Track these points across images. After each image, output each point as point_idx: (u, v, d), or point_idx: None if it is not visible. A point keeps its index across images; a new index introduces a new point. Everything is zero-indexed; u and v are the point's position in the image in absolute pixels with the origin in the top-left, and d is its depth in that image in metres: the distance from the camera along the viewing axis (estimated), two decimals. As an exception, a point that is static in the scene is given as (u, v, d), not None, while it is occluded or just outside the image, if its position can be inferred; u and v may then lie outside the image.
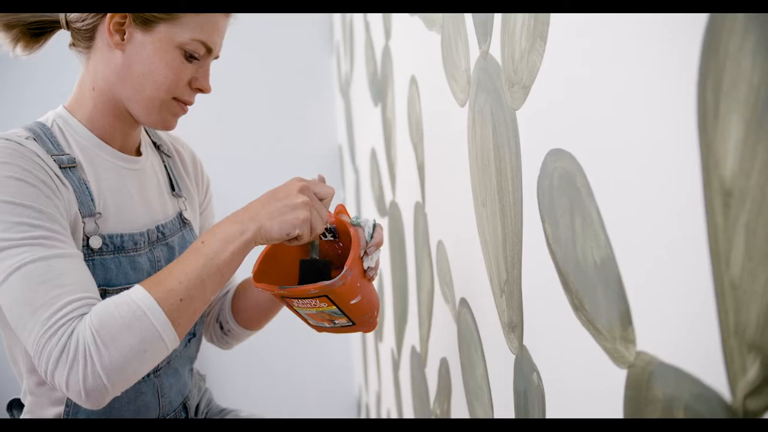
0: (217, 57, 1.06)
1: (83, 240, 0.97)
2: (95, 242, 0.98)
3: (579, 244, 0.64)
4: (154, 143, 1.19)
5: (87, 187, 0.99)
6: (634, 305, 0.55)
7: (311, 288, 0.95)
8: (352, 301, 0.99)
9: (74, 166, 0.98)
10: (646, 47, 0.51)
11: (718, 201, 0.43)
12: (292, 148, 2.95)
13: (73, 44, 1.05)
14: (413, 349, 1.59)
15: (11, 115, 2.64)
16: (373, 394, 2.49)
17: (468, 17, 0.96)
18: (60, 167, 0.96)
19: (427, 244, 1.34)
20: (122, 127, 1.06)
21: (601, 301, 0.61)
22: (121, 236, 1.02)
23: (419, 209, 1.39)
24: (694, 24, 0.44)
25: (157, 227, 1.09)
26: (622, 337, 0.57)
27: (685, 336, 0.49)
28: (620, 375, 0.58)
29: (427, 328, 1.42)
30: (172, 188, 1.17)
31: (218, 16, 1.02)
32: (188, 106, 1.06)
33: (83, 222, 0.97)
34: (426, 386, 1.46)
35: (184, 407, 1.17)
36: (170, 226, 1.12)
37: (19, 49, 1.05)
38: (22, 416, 1.05)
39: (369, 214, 2.12)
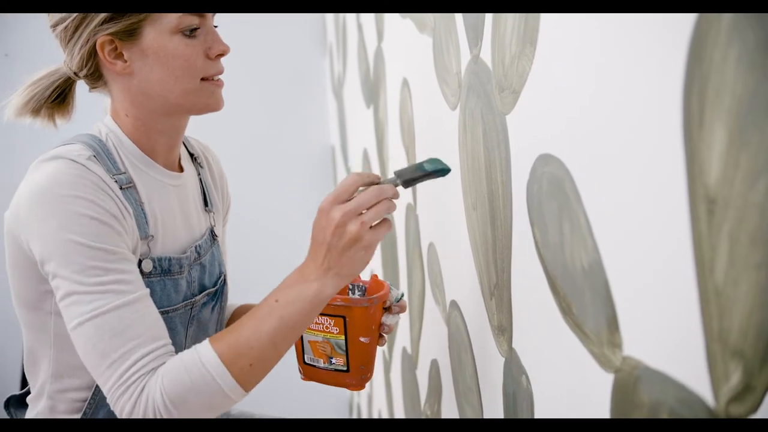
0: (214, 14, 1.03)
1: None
2: (147, 266, 0.98)
3: (567, 248, 0.65)
4: (191, 154, 1.17)
5: (142, 210, 0.99)
6: (620, 310, 0.56)
7: (339, 298, 0.97)
8: (361, 338, 1.01)
9: (131, 186, 0.98)
10: (633, 56, 0.52)
11: (702, 208, 0.44)
12: (285, 148, 2.95)
13: (91, 89, 1.04)
14: (404, 350, 1.60)
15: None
16: (364, 395, 2.50)
17: (459, 21, 0.97)
18: (120, 188, 0.95)
19: (418, 246, 1.34)
20: (165, 142, 1.05)
21: (588, 306, 0.61)
22: (169, 260, 1.02)
23: (411, 211, 1.39)
24: (679, 34, 0.45)
25: (195, 247, 1.09)
26: (609, 341, 0.58)
27: (670, 341, 0.49)
28: (607, 379, 0.58)
29: (418, 330, 1.42)
30: (205, 203, 1.16)
31: None
32: (221, 77, 1.03)
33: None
34: (417, 387, 1.47)
35: None
36: (204, 245, 1.11)
37: (58, 120, 1.06)
38: (33, 417, 1.04)
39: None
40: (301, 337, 1.05)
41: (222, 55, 1.01)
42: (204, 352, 0.87)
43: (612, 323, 0.57)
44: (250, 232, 2.56)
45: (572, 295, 0.64)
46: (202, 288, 1.10)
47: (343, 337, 1.01)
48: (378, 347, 1.08)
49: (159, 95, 0.98)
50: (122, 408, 0.86)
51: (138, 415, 0.85)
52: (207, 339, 0.89)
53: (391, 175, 0.95)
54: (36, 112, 1.03)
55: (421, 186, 1.28)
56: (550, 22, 0.66)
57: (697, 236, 0.44)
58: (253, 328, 0.87)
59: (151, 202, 1.01)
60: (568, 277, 0.65)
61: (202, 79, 0.99)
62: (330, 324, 1.01)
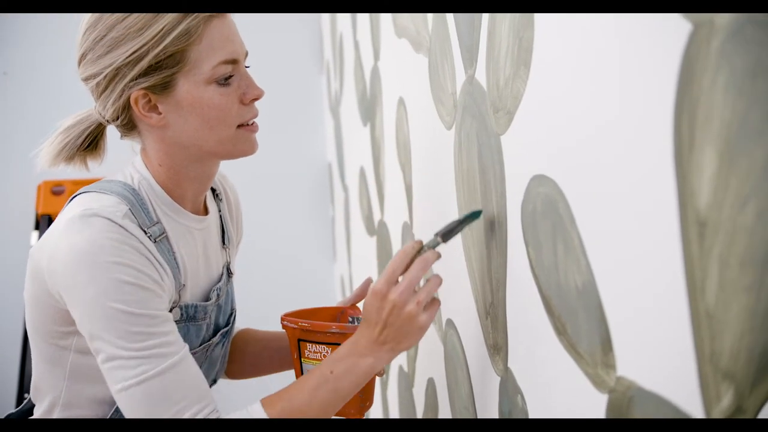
0: (246, 55, 1.01)
1: None
2: (175, 314, 0.98)
3: (561, 268, 0.65)
4: (212, 190, 1.16)
5: (175, 260, 0.99)
6: (614, 331, 0.56)
7: (333, 326, 1.01)
8: None
9: (164, 237, 0.98)
10: (625, 79, 0.52)
11: (693, 231, 0.44)
12: (283, 165, 2.96)
13: (123, 137, 1.04)
14: (401, 368, 1.60)
15: (12, 125, 2.64)
16: (361, 413, 2.49)
17: (454, 42, 0.98)
18: (154, 241, 0.95)
19: (414, 264, 1.34)
20: (196, 188, 1.04)
21: (582, 326, 0.62)
22: (195, 307, 1.02)
23: (407, 229, 1.39)
24: (669, 59, 0.45)
25: (216, 291, 1.09)
26: (603, 362, 0.58)
27: (663, 362, 0.50)
28: (601, 399, 0.59)
29: (414, 348, 1.42)
30: (223, 241, 1.15)
31: (217, 27, 0.95)
32: (255, 120, 1.02)
33: None
34: (413, 406, 1.46)
35: None
36: (222, 285, 1.11)
37: (90, 164, 1.06)
38: None
39: (359, 232, 2.12)
40: (300, 365, 1.07)
41: (256, 99, 1.00)
42: (256, 415, 0.90)
43: (606, 344, 0.57)
44: (245, 249, 2.56)
45: (566, 316, 0.65)
46: (217, 329, 1.11)
47: None
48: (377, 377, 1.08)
49: (194, 144, 0.98)
50: None
51: None
52: (259, 401, 0.92)
53: (425, 236, 0.96)
54: (69, 159, 1.03)
55: (416, 204, 1.29)
56: (543, 44, 0.67)
57: (688, 259, 0.45)
58: (306, 397, 0.92)
59: (180, 249, 1.01)
60: (563, 297, 0.65)
61: (239, 126, 0.99)
62: (328, 352, 1.02)
